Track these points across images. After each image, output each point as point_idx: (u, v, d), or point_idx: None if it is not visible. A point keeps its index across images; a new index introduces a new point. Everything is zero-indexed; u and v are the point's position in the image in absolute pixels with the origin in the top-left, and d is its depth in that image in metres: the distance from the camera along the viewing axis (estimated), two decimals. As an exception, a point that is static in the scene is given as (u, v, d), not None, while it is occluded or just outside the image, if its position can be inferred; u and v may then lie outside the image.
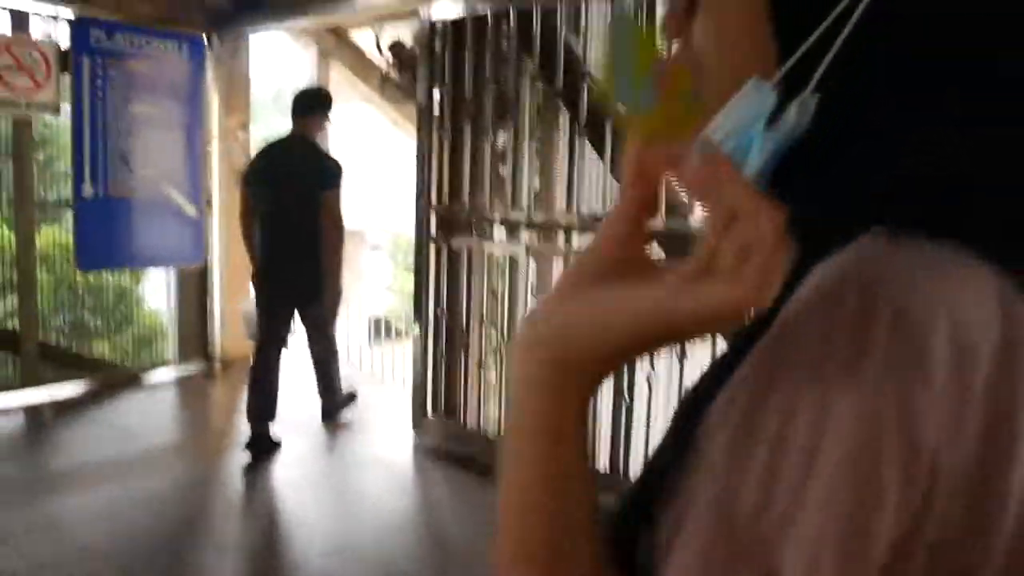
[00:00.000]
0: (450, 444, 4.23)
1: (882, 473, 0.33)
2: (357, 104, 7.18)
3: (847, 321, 0.36)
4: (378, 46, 6.03)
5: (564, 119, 3.46)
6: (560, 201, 3.53)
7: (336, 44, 6.42)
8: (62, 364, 5.19)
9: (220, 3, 5.31)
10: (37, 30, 4.77)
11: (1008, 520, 0.34)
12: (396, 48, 5.97)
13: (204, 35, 5.43)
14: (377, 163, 9.20)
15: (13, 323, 5.09)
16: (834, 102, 0.41)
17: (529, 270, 3.90)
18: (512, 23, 3.44)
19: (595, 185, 3.28)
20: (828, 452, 0.34)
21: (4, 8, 4.62)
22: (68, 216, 5.29)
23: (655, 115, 0.43)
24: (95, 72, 4.91)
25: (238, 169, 5.70)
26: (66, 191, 5.30)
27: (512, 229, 3.95)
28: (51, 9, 4.76)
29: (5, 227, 5.22)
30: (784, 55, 0.43)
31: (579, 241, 3.43)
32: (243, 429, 4.19)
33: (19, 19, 4.69)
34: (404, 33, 5.88)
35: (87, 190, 4.93)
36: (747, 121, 0.39)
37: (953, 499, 0.34)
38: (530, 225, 3.80)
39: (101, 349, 6.21)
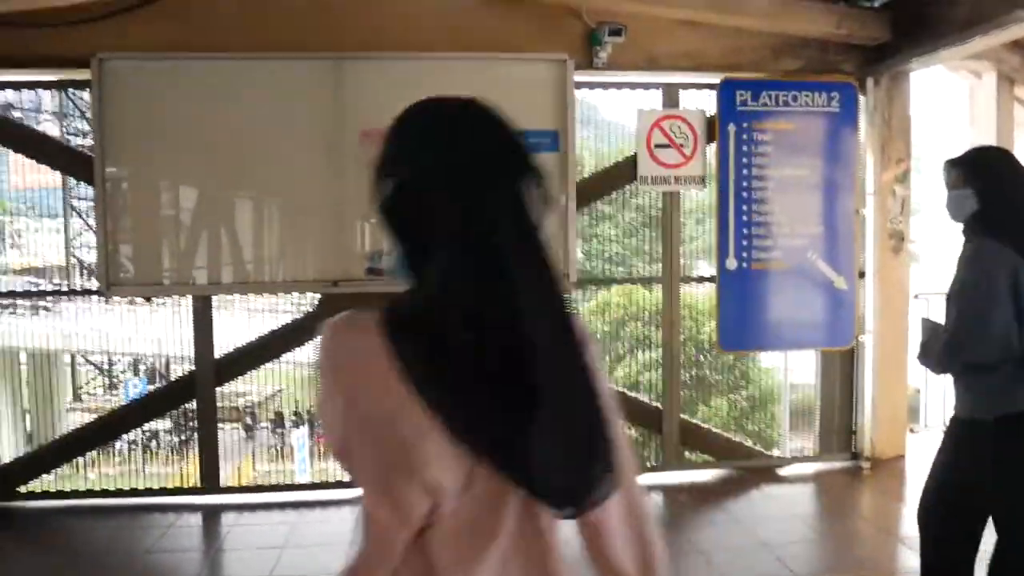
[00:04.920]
0: None
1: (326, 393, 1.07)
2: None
3: None
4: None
5: None
6: None
7: (1022, 63, 5.00)
8: (697, 443, 4.90)
9: (878, 38, 4.49)
10: (686, 100, 4.65)
11: (357, 415, 1.03)
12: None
13: (856, 80, 4.68)
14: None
15: (651, 379, 5.00)
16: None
17: None
18: None
19: None
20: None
21: (657, 84, 4.60)
22: (703, 289, 5.04)
23: None
24: (740, 138, 4.57)
25: (896, 231, 4.77)
26: (702, 263, 5.09)
27: None
28: (697, 77, 4.60)
29: (646, 292, 5.23)
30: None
31: None
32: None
33: (668, 93, 4.63)
34: None
35: (730, 262, 4.58)
36: (390, 262, 1.07)
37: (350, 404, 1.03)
38: None
39: (726, 424, 5.86)
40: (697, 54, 4.47)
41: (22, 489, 4.42)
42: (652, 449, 4.90)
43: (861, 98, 4.72)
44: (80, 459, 4.73)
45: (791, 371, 5.91)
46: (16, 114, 4.55)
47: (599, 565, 1.11)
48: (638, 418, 4.91)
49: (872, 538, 4.09)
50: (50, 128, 4.84)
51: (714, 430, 5.05)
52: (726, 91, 4.53)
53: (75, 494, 4.48)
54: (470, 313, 0.99)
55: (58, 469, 4.61)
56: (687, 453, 4.84)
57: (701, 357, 5.57)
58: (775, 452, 5.35)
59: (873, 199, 4.76)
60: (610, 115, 5.11)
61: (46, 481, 4.56)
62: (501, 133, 1.08)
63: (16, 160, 4.73)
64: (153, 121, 4.13)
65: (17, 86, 4.38)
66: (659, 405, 4.77)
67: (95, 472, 4.95)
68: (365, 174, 3.76)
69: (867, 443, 4.82)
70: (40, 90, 4.51)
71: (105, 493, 4.52)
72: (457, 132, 1.07)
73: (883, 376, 4.79)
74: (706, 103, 4.64)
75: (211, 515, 4.32)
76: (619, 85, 4.60)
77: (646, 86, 4.61)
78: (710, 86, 4.58)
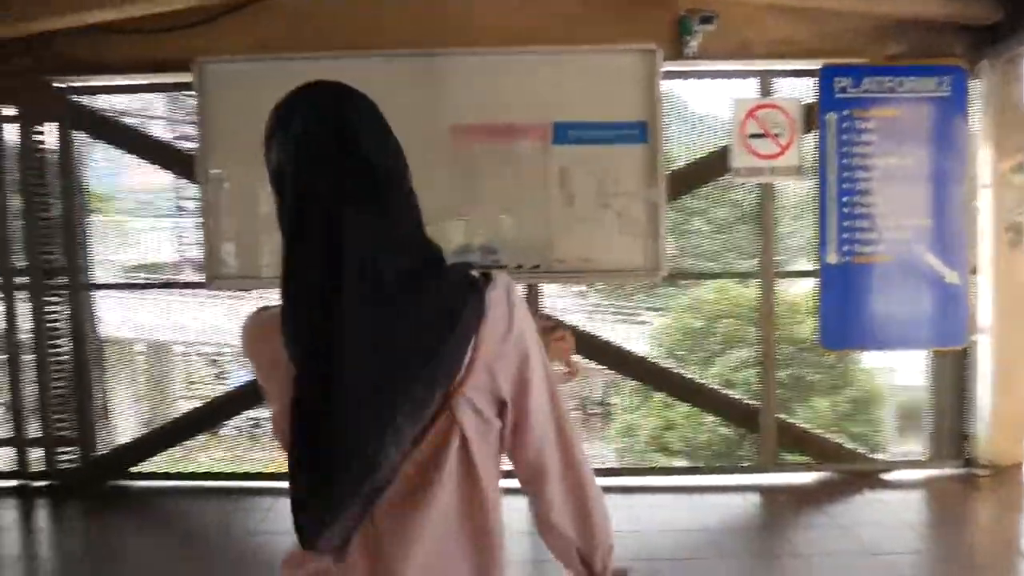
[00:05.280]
0: None
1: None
2: None
3: None
4: None
5: None
6: None
7: None
8: (795, 445, 4.70)
9: (990, 18, 4.21)
10: (782, 88, 4.49)
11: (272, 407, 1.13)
12: None
13: (968, 64, 4.40)
14: None
15: (746, 377, 4.84)
16: None
17: None
18: None
19: None
20: None
21: (752, 72, 4.45)
22: (801, 286, 4.85)
23: None
24: (840, 126, 4.37)
25: (1013, 224, 4.46)
26: (800, 258, 4.89)
27: None
28: (793, 64, 4.42)
29: (741, 288, 5.08)
30: None
31: None
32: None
33: (763, 81, 4.47)
34: None
35: (831, 256, 4.39)
36: None
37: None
38: None
39: (827, 425, 5.61)
40: (793, 40, 4.31)
41: (134, 469, 4.68)
42: (747, 449, 4.75)
43: (973, 83, 4.44)
44: (190, 443, 4.98)
45: (895, 372, 5.62)
46: (130, 119, 4.84)
47: (542, 528, 1.20)
48: (733, 417, 4.78)
49: (989, 550, 3.83)
50: (161, 131, 5.13)
51: (813, 431, 4.84)
52: (826, 78, 4.35)
53: (183, 476, 4.72)
54: (290, 319, 1.05)
55: (169, 452, 4.85)
56: (785, 454, 4.66)
57: (799, 356, 5.35)
58: (879, 456, 5.07)
59: (988, 190, 4.46)
60: (701, 108, 4.99)
61: (159, 463, 4.81)
62: (323, 121, 1.09)
63: (132, 163, 5.04)
64: (252, 122, 4.26)
65: (133, 89, 4.66)
66: (755, 403, 4.61)
67: (205, 456, 5.20)
68: (457, 170, 3.85)
69: (982, 449, 4.51)
70: (153, 94, 4.78)
71: (211, 476, 4.74)
72: (286, 126, 1.10)
73: (1001, 378, 4.47)
74: (804, 91, 4.46)
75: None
76: (712, 74, 4.48)
77: (741, 75, 4.47)
78: (809, 73, 4.40)
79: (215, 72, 4.27)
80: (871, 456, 4.87)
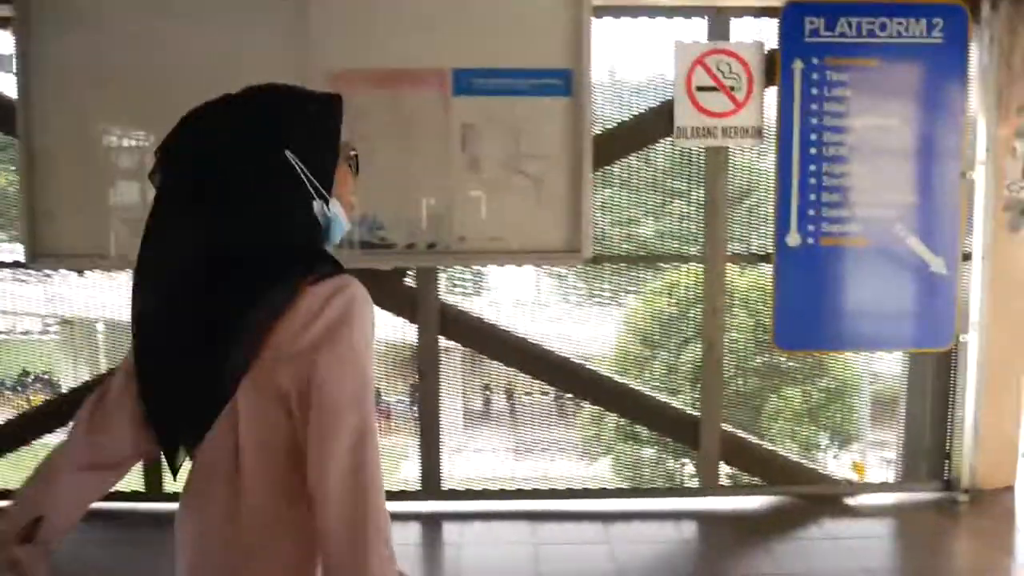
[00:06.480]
0: None
1: None
2: None
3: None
4: None
5: None
6: None
7: None
8: (741, 462, 3.97)
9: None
10: (739, 31, 3.66)
11: None
12: None
13: (967, 4, 3.59)
14: None
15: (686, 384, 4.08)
16: None
17: None
18: None
19: None
20: None
21: (702, 8, 3.61)
22: (759, 270, 4.08)
23: None
24: (808, 78, 3.57)
25: (1015, 201, 3.70)
26: (758, 238, 4.10)
27: None
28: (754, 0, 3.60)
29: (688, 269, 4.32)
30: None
31: None
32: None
33: (716, 21, 3.64)
34: None
35: (792, 238, 3.62)
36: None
37: None
38: None
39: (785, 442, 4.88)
40: (754, -32, 3.48)
41: None
42: (684, 466, 4.02)
43: (973, 28, 3.63)
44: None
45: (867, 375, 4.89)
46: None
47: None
48: (669, 429, 4.03)
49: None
50: None
51: (765, 446, 4.10)
52: (791, 17, 3.53)
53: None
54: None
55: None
56: (729, 474, 3.93)
57: (751, 358, 4.59)
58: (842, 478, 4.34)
59: (985, 160, 3.69)
60: (637, 55, 4.13)
61: None
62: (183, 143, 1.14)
63: None
64: (83, 64, 3.47)
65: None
66: (695, 413, 3.86)
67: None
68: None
69: (966, 470, 3.80)
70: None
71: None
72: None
73: (991, 385, 3.78)
74: (765, 35, 3.65)
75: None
76: (651, 11, 3.64)
77: (687, 12, 3.64)
78: (770, 11, 3.58)
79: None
80: (833, 478, 4.13)
